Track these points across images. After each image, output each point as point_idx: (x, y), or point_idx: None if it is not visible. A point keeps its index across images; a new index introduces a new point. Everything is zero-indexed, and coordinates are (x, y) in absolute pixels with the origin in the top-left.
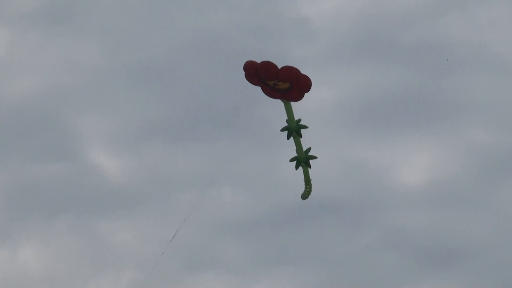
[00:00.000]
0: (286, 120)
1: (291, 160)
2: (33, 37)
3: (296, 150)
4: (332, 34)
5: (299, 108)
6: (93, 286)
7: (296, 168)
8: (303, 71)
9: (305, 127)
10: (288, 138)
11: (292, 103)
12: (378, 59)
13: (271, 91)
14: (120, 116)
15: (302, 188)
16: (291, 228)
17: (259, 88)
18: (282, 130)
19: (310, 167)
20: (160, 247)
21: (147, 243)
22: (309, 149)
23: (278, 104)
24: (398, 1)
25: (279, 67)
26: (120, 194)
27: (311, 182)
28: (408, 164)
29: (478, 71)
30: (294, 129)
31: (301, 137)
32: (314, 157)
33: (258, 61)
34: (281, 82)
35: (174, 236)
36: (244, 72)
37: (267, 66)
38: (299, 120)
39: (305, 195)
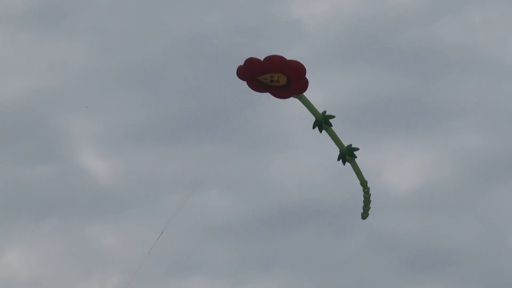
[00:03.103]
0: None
1: (339, 159)
2: (22, 38)
3: (337, 146)
4: (324, 36)
5: (289, 111)
6: None
7: (344, 162)
8: None
9: (331, 117)
10: (321, 130)
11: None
12: (370, 62)
13: (277, 92)
14: (109, 118)
15: (290, 191)
16: (279, 231)
17: (246, 89)
18: (314, 127)
19: (356, 157)
20: (147, 249)
21: (134, 246)
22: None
23: (267, 105)
24: (390, 4)
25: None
26: (108, 197)
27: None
28: (396, 168)
29: (469, 74)
30: (321, 121)
31: (331, 125)
32: (356, 149)
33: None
34: (275, 76)
35: (164, 229)
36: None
37: (250, 61)
38: (324, 112)
39: (365, 213)
